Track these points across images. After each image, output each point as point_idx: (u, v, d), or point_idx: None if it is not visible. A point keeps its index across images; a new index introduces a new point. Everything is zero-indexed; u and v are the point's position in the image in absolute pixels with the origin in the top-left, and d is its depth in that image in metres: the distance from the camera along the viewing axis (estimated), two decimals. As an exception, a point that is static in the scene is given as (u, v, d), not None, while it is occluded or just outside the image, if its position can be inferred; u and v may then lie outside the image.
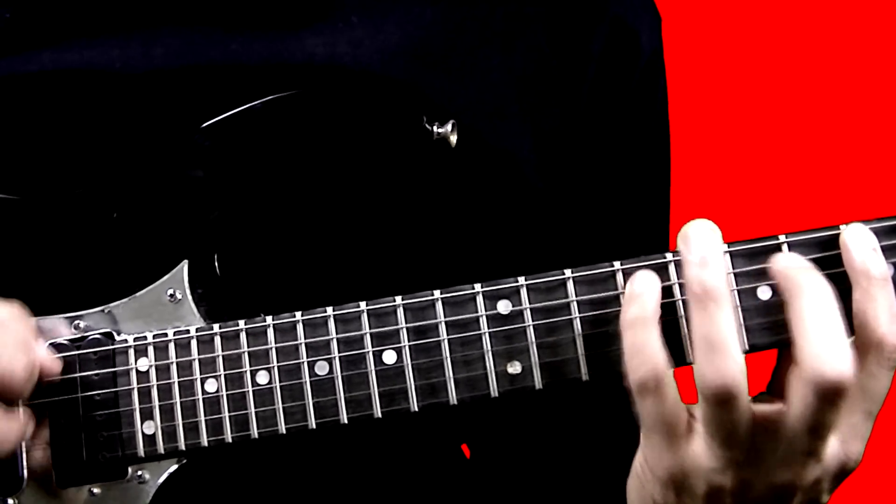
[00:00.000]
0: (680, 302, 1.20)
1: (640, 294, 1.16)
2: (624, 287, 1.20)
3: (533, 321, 1.21)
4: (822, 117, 2.27)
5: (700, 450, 1.14)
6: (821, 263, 1.19)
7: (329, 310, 1.24)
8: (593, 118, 1.37)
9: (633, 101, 1.39)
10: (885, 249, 1.19)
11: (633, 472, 1.21)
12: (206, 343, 1.26)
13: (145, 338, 1.27)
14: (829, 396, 1.11)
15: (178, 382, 1.26)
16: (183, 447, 1.25)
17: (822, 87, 2.28)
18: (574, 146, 1.36)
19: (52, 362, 1.25)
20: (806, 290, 1.14)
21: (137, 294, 1.29)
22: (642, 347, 1.14)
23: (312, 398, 1.24)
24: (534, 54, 1.36)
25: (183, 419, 1.25)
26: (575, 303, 1.21)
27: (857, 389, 1.15)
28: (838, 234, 1.18)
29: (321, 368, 1.24)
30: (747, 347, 1.19)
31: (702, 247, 1.13)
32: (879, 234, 1.19)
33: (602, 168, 1.37)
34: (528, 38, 1.36)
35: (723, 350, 1.11)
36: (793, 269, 1.15)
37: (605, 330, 1.20)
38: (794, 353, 1.12)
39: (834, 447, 1.15)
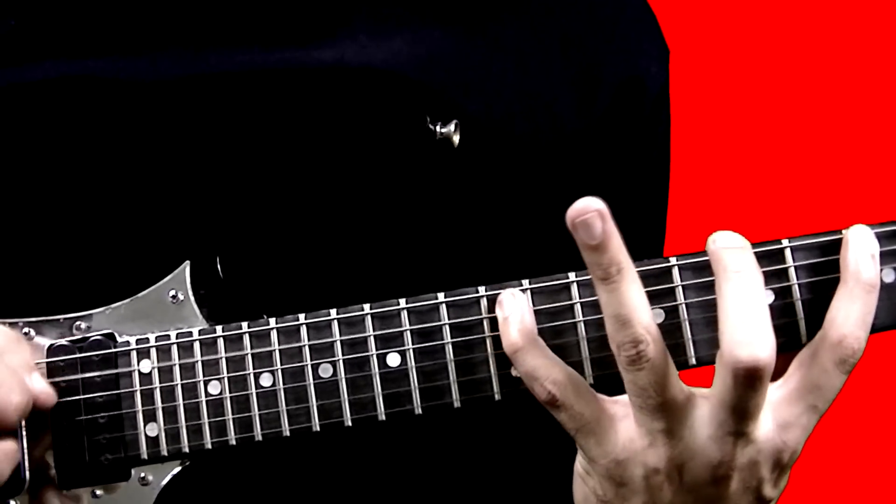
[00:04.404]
0: (683, 306, 1.21)
1: (508, 319, 1.19)
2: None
3: (537, 324, 1.22)
4: (826, 122, 2.28)
5: (631, 432, 1.16)
6: (823, 268, 1.20)
7: (333, 312, 1.25)
8: (599, 142, 1.37)
9: (639, 133, 1.40)
10: (886, 254, 1.20)
11: (576, 472, 1.22)
12: (209, 345, 1.26)
13: (147, 339, 1.27)
14: (747, 381, 1.12)
15: (182, 384, 1.26)
16: (186, 449, 1.25)
17: (827, 91, 2.28)
18: (579, 163, 1.37)
19: (46, 395, 1.25)
20: (729, 272, 1.15)
21: (139, 295, 1.28)
22: (534, 372, 1.17)
23: (316, 400, 1.24)
24: (547, 74, 1.36)
25: (186, 421, 1.25)
26: (579, 305, 1.22)
27: (807, 381, 1.16)
28: (841, 240, 1.19)
29: (325, 371, 1.24)
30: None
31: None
32: (880, 238, 1.20)
33: (603, 183, 1.38)
34: (541, 59, 1.37)
35: (627, 320, 1.14)
36: (720, 249, 1.16)
37: (609, 333, 1.20)
38: (718, 335, 1.15)
39: (768, 430, 1.16)
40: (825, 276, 1.20)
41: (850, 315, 1.16)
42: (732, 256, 1.15)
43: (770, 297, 1.20)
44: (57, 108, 1.31)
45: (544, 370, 1.17)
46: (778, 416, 1.16)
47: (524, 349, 1.18)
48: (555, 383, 1.17)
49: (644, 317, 1.14)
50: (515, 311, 1.19)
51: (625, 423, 1.17)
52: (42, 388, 1.25)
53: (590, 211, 1.12)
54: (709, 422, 1.15)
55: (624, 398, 1.18)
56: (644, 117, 1.40)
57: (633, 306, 1.14)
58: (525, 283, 1.22)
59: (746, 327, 1.13)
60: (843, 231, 1.20)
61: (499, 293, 1.22)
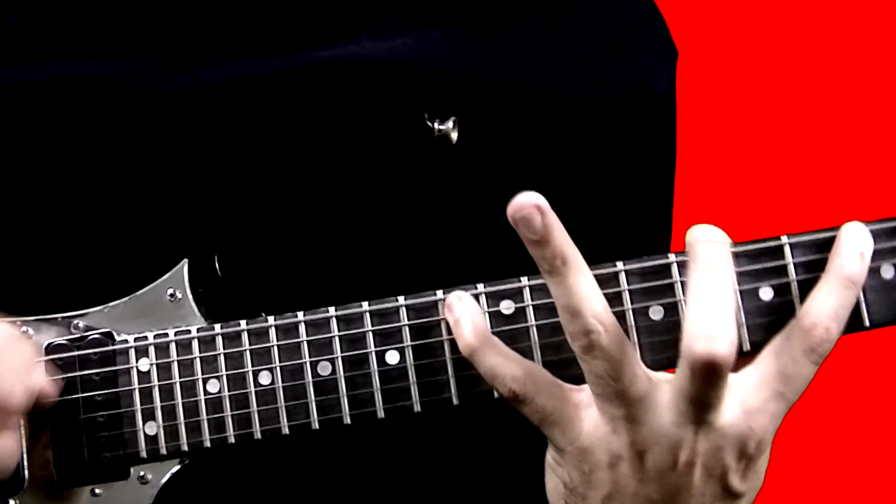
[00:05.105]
0: (682, 302, 1.20)
1: (459, 321, 1.20)
2: (627, 285, 1.21)
3: (535, 321, 1.22)
4: (826, 118, 2.28)
5: (594, 419, 1.17)
6: (822, 265, 1.19)
7: (331, 309, 1.24)
8: (603, 141, 1.37)
9: (645, 133, 1.40)
10: (886, 251, 1.20)
11: (547, 464, 1.22)
12: (207, 343, 1.26)
13: (146, 338, 1.27)
14: (703, 374, 1.12)
15: (180, 382, 1.26)
16: (185, 447, 1.25)
17: (828, 89, 2.28)
18: (582, 162, 1.37)
19: (50, 387, 1.25)
20: (699, 264, 1.15)
21: (137, 293, 1.28)
22: (492, 370, 1.18)
23: (315, 398, 1.24)
24: (552, 74, 1.36)
25: (185, 419, 1.25)
26: None
27: (775, 367, 1.16)
28: (838, 236, 1.20)
29: (324, 368, 1.24)
30: (748, 347, 1.20)
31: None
32: (880, 234, 1.20)
33: (608, 181, 1.38)
34: (546, 58, 1.37)
35: (577, 311, 1.15)
36: (696, 242, 1.16)
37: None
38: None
39: (734, 416, 1.15)
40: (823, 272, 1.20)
41: (824, 305, 1.16)
42: (705, 249, 1.16)
43: (769, 293, 1.20)
44: (57, 108, 1.31)
45: (502, 368, 1.18)
46: (744, 401, 1.16)
47: (480, 349, 1.19)
48: (514, 379, 1.18)
49: (594, 306, 1.15)
50: (465, 312, 1.20)
51: (589, 411, 1.17)
52: (44, 383, 1.25)
53: (528, 206, 1.13)
54: (669, 408, 1.15)
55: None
56: (650, 118, 1.40)
57: (582, 297, 1.15)
58: (524, 279, 1.22)
59: (707, 321, 1.13)
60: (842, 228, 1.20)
61: (499, 288, 1.22)
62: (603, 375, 1.15)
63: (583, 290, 1.15)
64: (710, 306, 1.13)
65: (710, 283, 1.14)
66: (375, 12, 1.34)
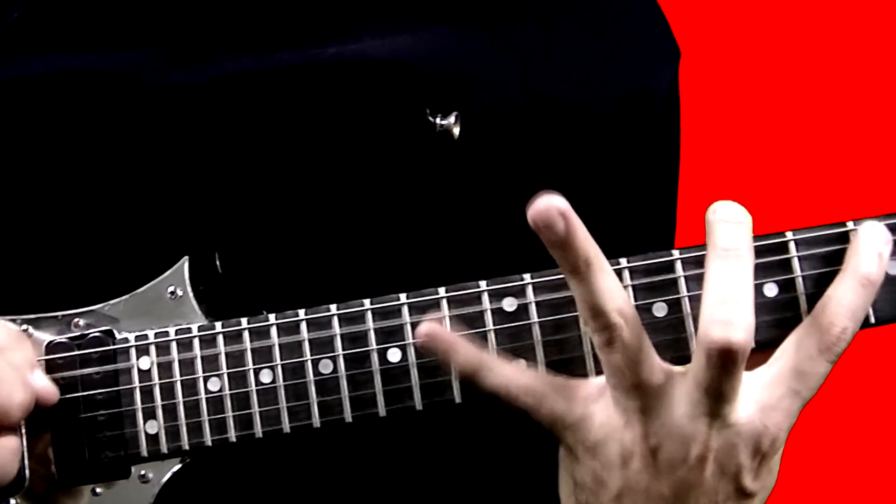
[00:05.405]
0: (686, 299, 1.20)
1: (447, 352, 1.18)
2: (630, 281, 1.20)
3: (539, 318, 1.21)
4: (829, 115, 2.27)
5: (607, 411, 1.16)
6: (827, 261, 1.19)
7: (333, 307, 1.24)
8: (605, 139, 1.37)
9: (647, 132, 1.39)
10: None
11: (560, 459, 1.21)
12: (208, 341, 1.25)
13: (146, 336, 1.26)
14: (720, 361, 1.12)
15: (181, 381, 1.25)
16: (186, 446, 1.25)
17: (829, 84, 2.28)
18: (583, 159, 1.36)
19: (48, 392, 1.25)
20: (718, 249, 1.14)
21: (138, 291, 1.28)
22: (496, 390, 1.17)
23: (317, 397, 1.23)
24: (553, 72, 1.36)
25: (186, 418, 1.25)
26: None
27: (791, 364, 1.15)
28: (846, 231, 1.19)
29: (325, 367, 1.24)
30: (753, 345, 1.19)
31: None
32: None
33: (610, 179, 1.37)
34: (548, 57, 1.36)
35: (600, 310, 1.14)
36: (717, 221, 1.15)
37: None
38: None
39: (749, 413, 1.15)
40: (829, 268, 1.19)
41: (841, 304, 1.15)
42: (726, 232, 1.15)
43: (774, 290, 1.19)
44: (57, 102, 1.30)
45: (505, 389, 1.17)
46: (760, 398, 1.15)
47: (477, 374, 1.18)
48: (520, 393, 1.17)
49: (616, 302, 1.14)
50: (446, 341, 1.18)
51: (600, 405, 1.16)
52: (44, 385, 1.24)
53: (550, 210, 1.12)
54: (684, 400, 1.14)
55: (597, 378, 1.17)
56: (652, 117, 1.39)
57: (605, 296, 1.14)
58: (527, 277, 1.22)
59: (725, 307, 1.12)
60: (850, 223, 1.19)
61: (502, 285, 1.21)
62: (622, 368, 1.14)
63: (606, 287, 1.14)
64: (729, 292, 1.12)
65: (728, 269, 1.13)
66: (377, 10, 1.33)
